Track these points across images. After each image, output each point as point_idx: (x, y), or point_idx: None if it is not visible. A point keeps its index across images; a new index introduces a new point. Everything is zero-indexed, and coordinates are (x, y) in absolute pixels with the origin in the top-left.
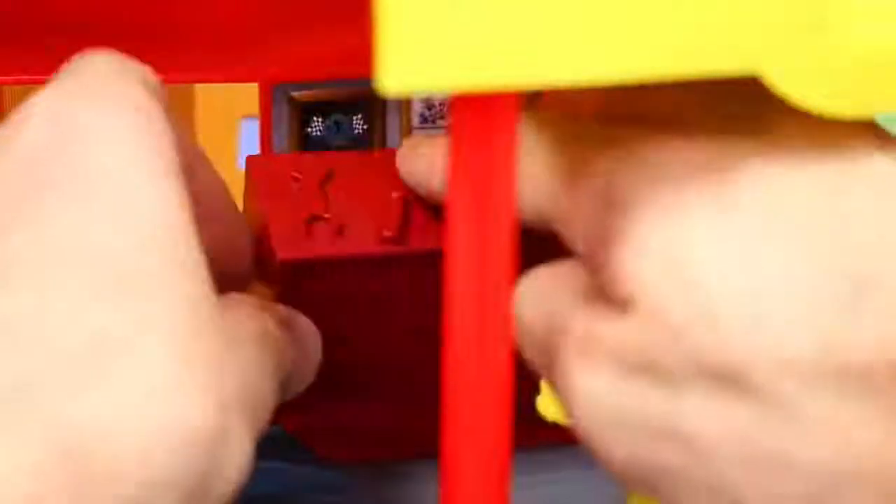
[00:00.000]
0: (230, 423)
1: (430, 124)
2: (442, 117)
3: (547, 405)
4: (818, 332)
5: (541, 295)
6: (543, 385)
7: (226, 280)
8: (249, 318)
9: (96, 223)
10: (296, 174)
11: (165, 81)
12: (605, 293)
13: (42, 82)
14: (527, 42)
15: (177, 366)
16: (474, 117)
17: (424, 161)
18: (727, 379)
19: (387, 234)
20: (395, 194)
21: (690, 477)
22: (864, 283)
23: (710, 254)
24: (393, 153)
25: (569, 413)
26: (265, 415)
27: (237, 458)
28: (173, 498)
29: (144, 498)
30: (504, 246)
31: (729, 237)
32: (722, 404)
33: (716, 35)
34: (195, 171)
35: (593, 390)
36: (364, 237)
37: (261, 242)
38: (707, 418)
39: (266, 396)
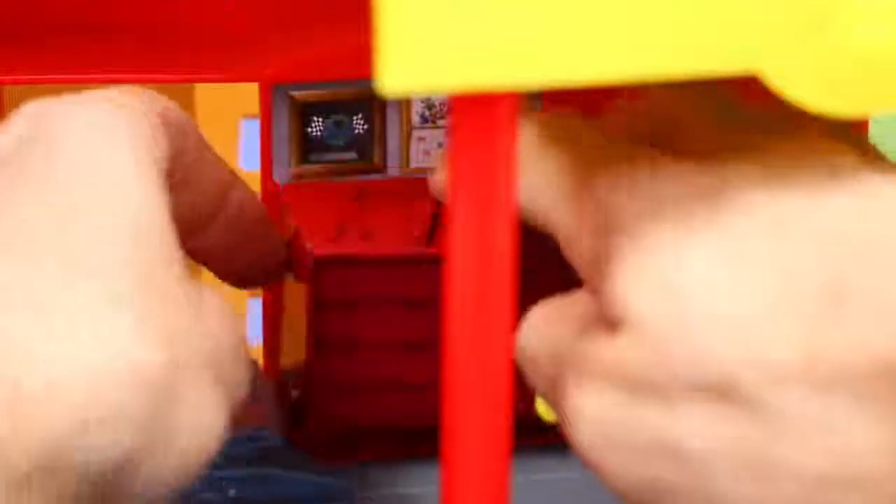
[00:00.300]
0: (183, 376)
1: (430, 124)
2: (442, 117)
3: (547, 408)
4: (800, 339)
5: (545, 328)
6: None
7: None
8: (213, 294)
9: (57, 198)
10: (327, 194)
11: (165, 81)
12: (603, 316)
13: (42, 82)
14: (526, 42)
15: (124, 317)
16: (474, 118)
17: None
18: (716, 391)
19: (415, 234)
20: (424, 206)
21: (688, 491)
22: (845, 290)
23: (698, 274)
24: (419, 181)
25: (571, 437)
26: (234, 383)
27: (197, 415)
28: (122, 438)
29: (79, 436)
30: (505, 246)
31: (718, 259)
32: (713, 417)
33: (716, 35)
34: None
35: (593, 412)
36: (394, 240)
37: (295, 264)
38: (700, 432)
39: (234, 368)
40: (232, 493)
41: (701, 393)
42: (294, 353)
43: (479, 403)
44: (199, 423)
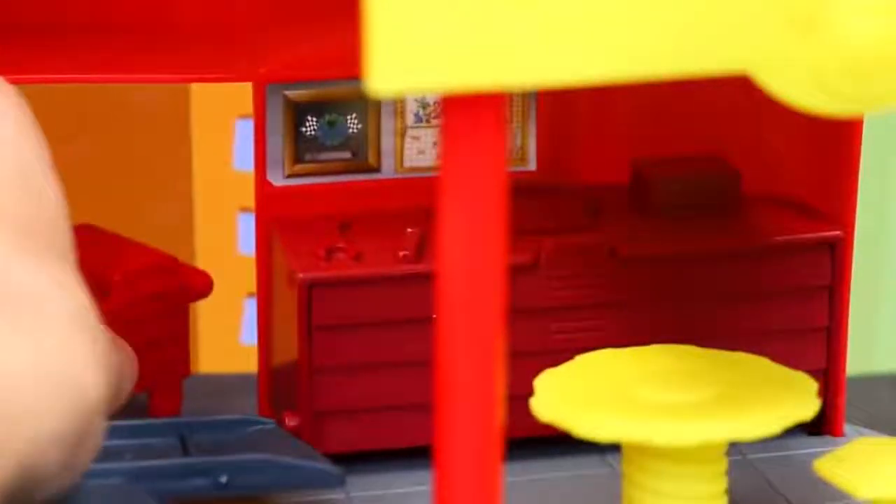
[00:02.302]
0: (106, 394)
1: (424, 124)
2: (437, 117)
3: (541, 406)
4: None
5: None
6: (537, 385)
7: None
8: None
9: (17, 197)
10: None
11: (161, 81)
12: None
13: (41, 82)
14: (516, 43)
15: (78, 332)
16: (464, 117)
17: None
18: None
19: (403, 254)
20: (409, 229)
21: None
22: None
23: None
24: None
25: None
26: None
27: (102, 428)
28: (55, 454)
29: (34, 451)
30: (495, 248)
31: None
32: None
33: (707, 35)
34: None
35: None
36: (381, 261)
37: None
38: None
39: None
40: (223, 479)
41: None
42: (286, 351)
43: (471, 398)
44: (100, 437)
